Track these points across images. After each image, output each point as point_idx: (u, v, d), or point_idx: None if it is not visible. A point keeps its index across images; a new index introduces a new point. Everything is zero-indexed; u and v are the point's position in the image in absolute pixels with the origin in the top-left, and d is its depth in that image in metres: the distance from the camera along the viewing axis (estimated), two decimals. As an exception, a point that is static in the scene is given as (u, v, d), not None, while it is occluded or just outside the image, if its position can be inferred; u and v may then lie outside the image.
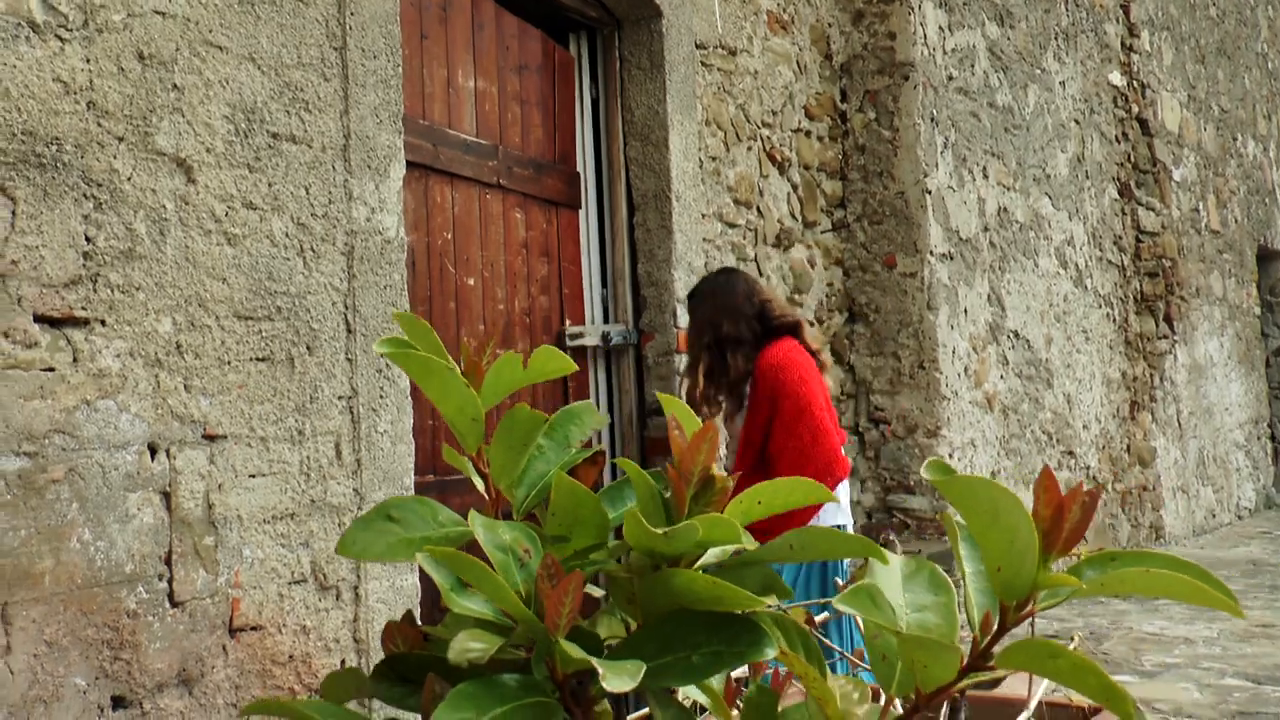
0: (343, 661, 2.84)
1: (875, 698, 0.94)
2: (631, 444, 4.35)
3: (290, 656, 2.76)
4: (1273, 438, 10.86)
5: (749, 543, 0.93)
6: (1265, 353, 10.96)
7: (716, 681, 0.96)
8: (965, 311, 5.79)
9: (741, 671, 1.05)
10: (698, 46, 4.62)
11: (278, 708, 1.01)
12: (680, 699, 0.98)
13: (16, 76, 2.24)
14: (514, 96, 3.99)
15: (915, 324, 5.46)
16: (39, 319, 2.26)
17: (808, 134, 5.39)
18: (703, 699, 0.95)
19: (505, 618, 0.87)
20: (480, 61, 3.82)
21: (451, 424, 1.05)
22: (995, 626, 0.86)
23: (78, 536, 2.30)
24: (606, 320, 4.39)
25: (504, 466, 1.05)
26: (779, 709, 0.93)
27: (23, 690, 2.19)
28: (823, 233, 5.47)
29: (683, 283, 4.36)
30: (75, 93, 2.35)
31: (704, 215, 4.58)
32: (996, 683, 2.22)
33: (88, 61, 2.37)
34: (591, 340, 4.23)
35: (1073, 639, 1.39)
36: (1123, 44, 8.18)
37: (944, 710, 1.12)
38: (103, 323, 2.37)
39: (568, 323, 4.17)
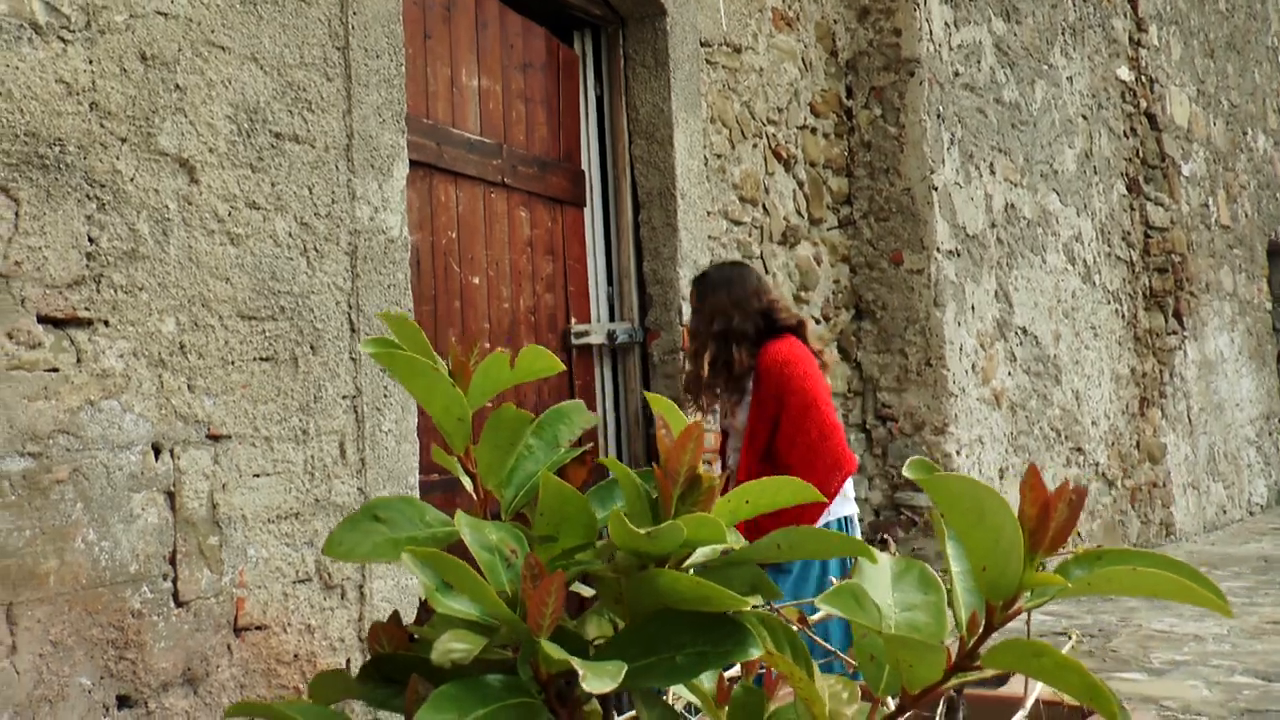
0: (348, 661, 2.85)
1: (866, 697, 0.94)
2: (638, 442, 4.35)
3: (295, 656, 2.77)
4: (1284, 433, 10.81)
5: (735, 542, 0.92)
6: (1276, 348, 10.92)
7: (709, 681, 0.96)
8: (972, 308, 5.77)
9: (736, 671, 1.05)
10: (702, 44, 4.62)
11: (260, 709, 1.01)
12: (673, 699, 0.98)
13: (19, 78, 2.25)
14: (518, 95, 3.99)
15: (922, 321, 5.44)
16: (42, 319, 2.27)
17: (813, 131, 5.38)
18: (695, 699, 0.95)
19: (491, 618, 0.86)
20: (484, 60, 3.82)
21: (438, 424, 1.04)
22: (982, 626, 0.85)
23: (82, 537, 2.31)
24: (612, 318, 4.39)
25: (491, 466, 1.05)
26: (771, 709, 0.92)
27: (28, 690, 2.20)
28: (829, 230, 5.46)
29: (687, 280, 4.35)
30: (78, 94, 2.35)
31: (709, 213, 4.58)
32: (1003, 681, 2.21)
33: (90, 62, 2.38)
34: (597, 338, 4.23)
35: (1070, 637, 1.38)
36: (1130, 39, 8.14)
37: (941, 709, 1.11)
38: (106, 323, 2.38)
39: (573, 321, 4.17)
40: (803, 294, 5.22)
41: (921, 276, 5.45)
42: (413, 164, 3.32)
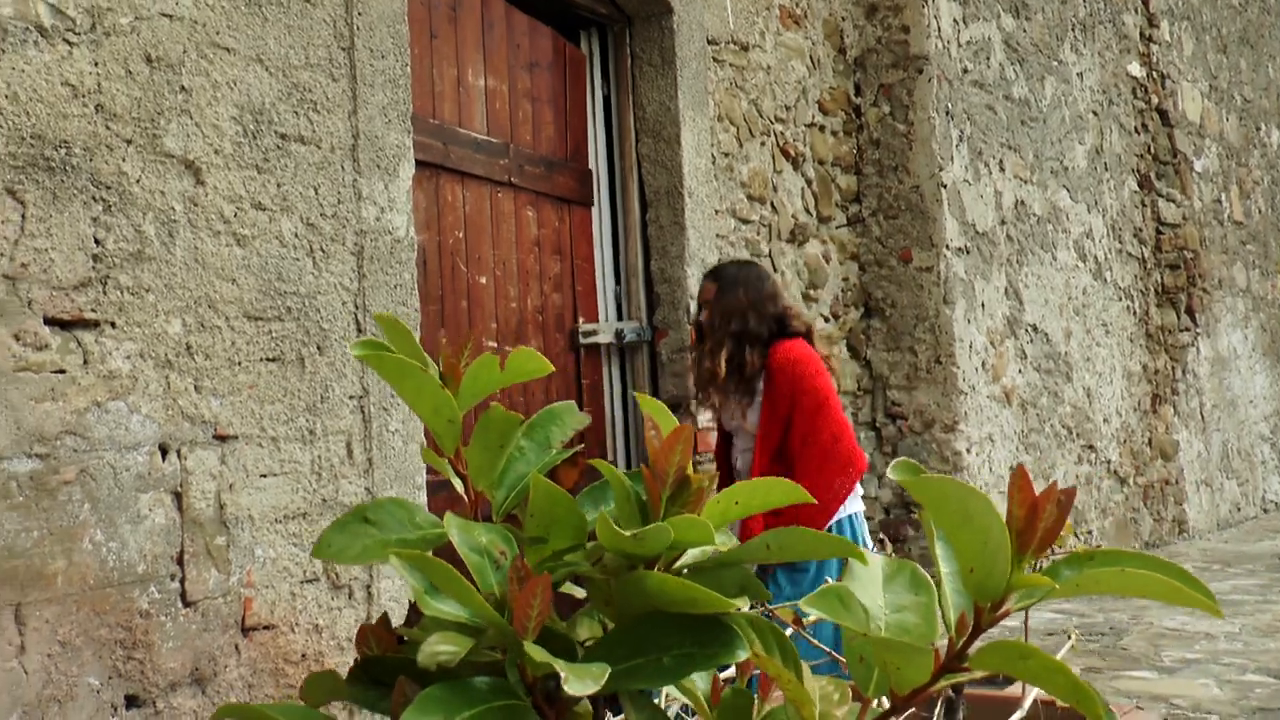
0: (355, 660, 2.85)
1: (858, 698, 0.94)
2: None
3: (303, 655, 2.77)
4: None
5: (727, 543, 0.92)
6: (1290, 344, 10.86)
7: (703, 682, 0.96)
8: (982, 306, 5.76)
9: (732, 672, 1.05)
10: (709, 42, 4.61)
11: (246, 712, 1.01)
12: (668, 700, 0.98)
13: (25, 81, 2.26)
14: (525, 94, 3.99)
15: (932, 318, 5.43)
16: (49, 321, 2.28)
17: (821, 129, 5.37)
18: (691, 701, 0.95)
19: (477, 620, 0.86)
20: (490, 60, 3.83)
21: (428, 426, 1.04)
22: (970, 628, 0.85)
23: (90, 537, 2.32)
24: (620, 317, 4.39)
25: (482, 468, 1.05)
26: (766, 710, 0.92)
27: (37, 690, 2.21)
28: (838, 228, 5.45)
29: (695, 279, 4.34)
30: (83, 96, 2.36)
31: (717, 211, 4.57)
32: (1011, 680, 2.21)
33: (95, 65, 2.39)
34: (605, 338, 4.23)
35: (1069, 636, 1.38)
36: (1141, 34, 8.11)
37: (939, 710, 1.11)
38: (113, 324, 2.39)
39: (581, 320, 4.17)
40: (811, 292, 5.21)
41: (931, 274, 5.44)
42: (419, 164, 3.33)
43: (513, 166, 3.88)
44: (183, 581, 2.49)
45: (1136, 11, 8.06)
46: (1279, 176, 10.66)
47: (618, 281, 4.41)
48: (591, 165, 4.33)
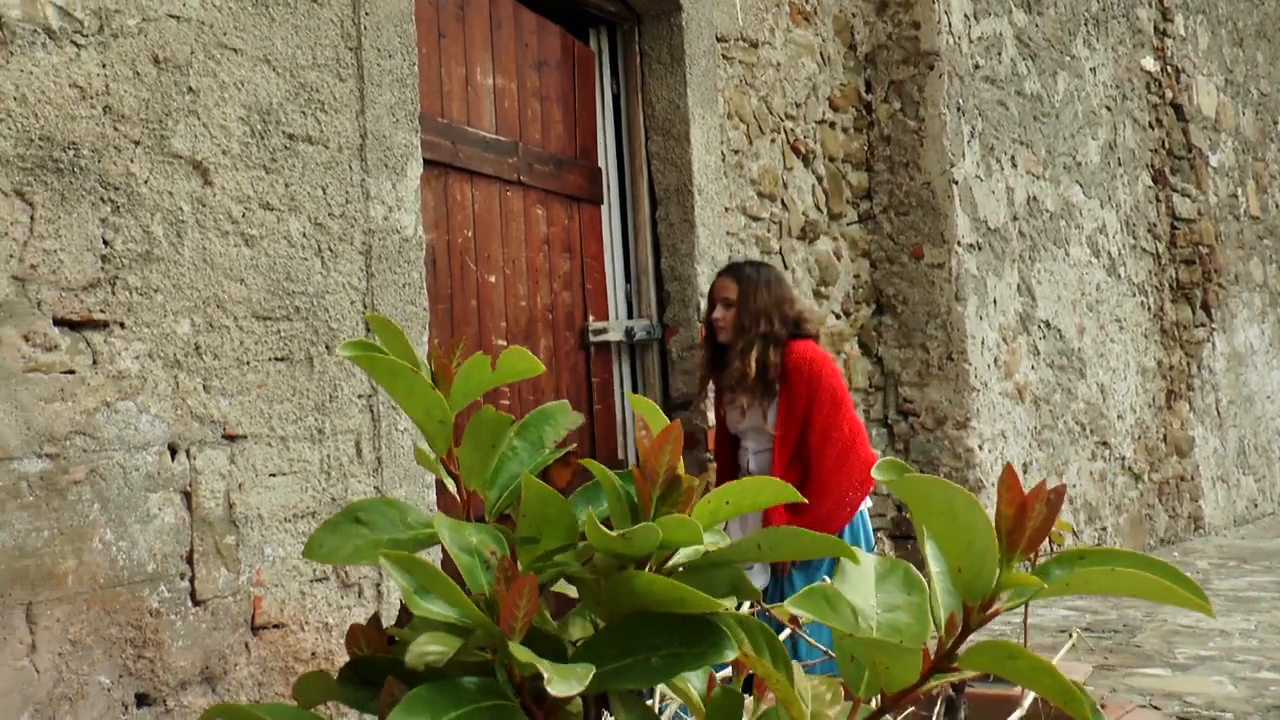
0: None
1: (850, 697, 0.93)
2: (657, 439, 4.34)
3: (313, 654, 2.78)
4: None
5: (717, 543, 0.92)
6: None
7: (699, 681, 0.96)
8: (994, 302, 5.73)
9: (730, 672, 1.05)
10: (718, 39, 4.61)
11: (235, 712, 1.01)
12: (664, 700, 0.98)
13: (33, 83, 2.27)
14: (534, 93, 3.99)
15: (943, 315, 5.41)
16: (58, 322, 2.29)
17: (832, 125, 5.36)
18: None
19: (467, 620, 0.87)
20: (499, 59, 3.83)
21: (420, 426, 1.05)
22: (960, 627, 0.85)
23: (99, 537, 2.33)
24: (630, 315, 4.39)
25: (474, 468, 1.05)
26: (762, 710, 0.92)
27: (48, 688, 2.22)
28: (849, 224, 5.43)
29: (705, 277, 4.34)
30: (91, 98, 2.37)
31: (727, 209, 4.57)
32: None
33: (103, 66, 2.40)
34: (615, 336, 4.23)
35: (1070, 635, 1.37)
36: (1156, 28, 8.06)
37: (939, 708, 1.11)
38: (122, 325, 2.40)
39: (591, 318, 4.17)
40: (823, 289, 5.20)
41: (942, 271, 5.42)
42: (428, 163, 3.33)
43: (522, 165, 3.88)
44: (192, 580, 2.50)
45: (1151, 5, 8.02)
46: (1295, 171, 10.59)
47: (628, 279, 4.41)
48: (601, 163, 4.33)
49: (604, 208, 4.33)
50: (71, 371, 2.30)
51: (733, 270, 3.77)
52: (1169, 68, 8.14)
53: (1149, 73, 7.92)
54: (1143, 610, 5.24)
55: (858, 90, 5.57)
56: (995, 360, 5.69)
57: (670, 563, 0.95)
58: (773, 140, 4.92)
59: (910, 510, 0.85)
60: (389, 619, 2.94)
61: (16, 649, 2.17)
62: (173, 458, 2.49)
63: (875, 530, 4.73)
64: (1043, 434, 6.11)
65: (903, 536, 5.32)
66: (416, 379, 0.99)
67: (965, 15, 5.73)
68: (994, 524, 0.79)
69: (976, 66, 5.80)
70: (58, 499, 2.26)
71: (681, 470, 0.94)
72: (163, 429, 2.46)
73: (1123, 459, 7.01)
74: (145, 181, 2.46)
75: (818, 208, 5.20)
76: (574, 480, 1.10)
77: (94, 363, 2.34)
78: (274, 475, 2.69)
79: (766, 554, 0.93)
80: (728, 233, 4.56)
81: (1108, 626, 4.88)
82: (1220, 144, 8.80)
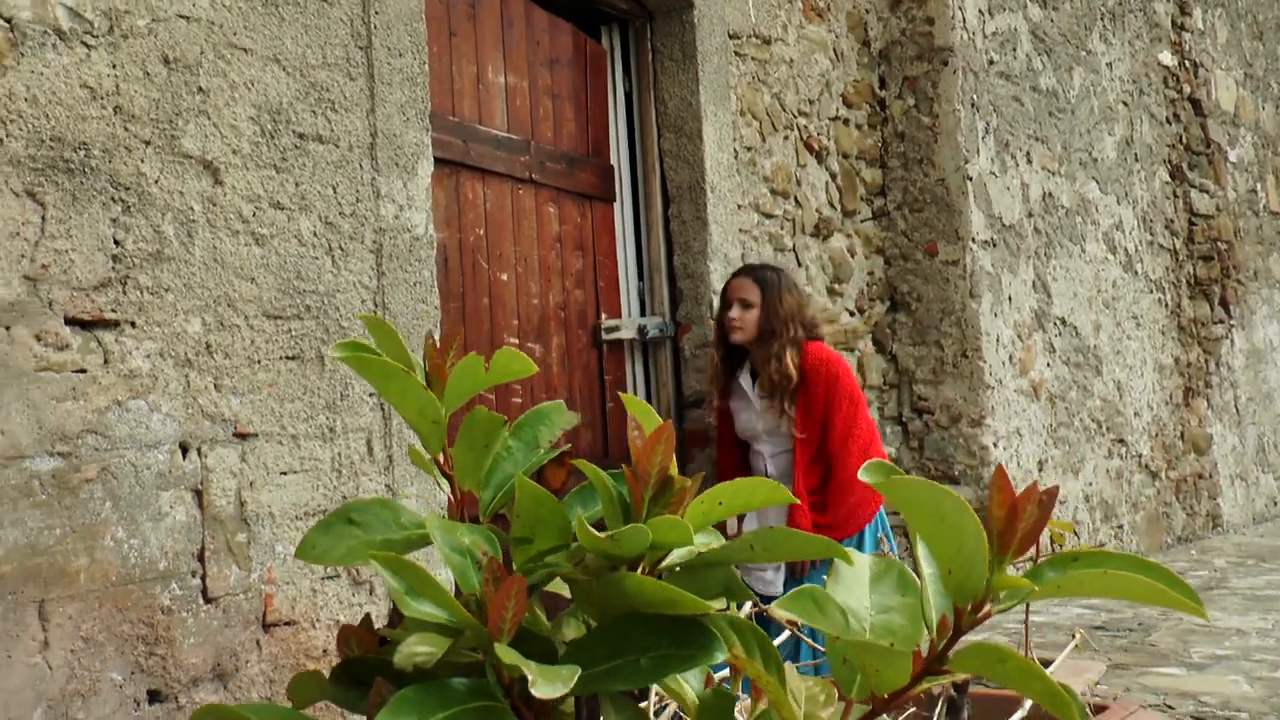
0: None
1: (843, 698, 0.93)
2: (669, 436, 4.34)
3: (324, 651, 2.79)
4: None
5: (709, 543, 0.92)
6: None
7: (696, 681, 0.95)
8: (1009, 299, 5.71)
9: (728, 672, 1.05)
10: (731, 36, 4.60)
11: (224, 713, 1.02)
12: (660, 701, 0.98)
13: (44, 84, 2.28)
14: (545, 91, 3.99)
15: (958, 312, 5.39)
16: (70, 321, 2.31)
17: (846, 122, 5.34)
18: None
19: (456, 621, 0.87)
20: (510, 57, 3.83)
21: (413, 427, 1.05)
22: (951, 630, 0.84)
23: (111, 535, 2.34)
24: (643, 313, 4.39)
25: (467, 468, 1.05)
26: (759, 710, 0.92)
27: (61, 685, 2.24)
28: (863, 221, 5.42)
29: (719, 274, 4.34)
30: (102, 98, 2.38)
31: (740, 206, 4.56)
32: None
33: (114, 67, 2.41)
34: (628, 333, 4.23)
35: (1074, 635, 1.37)
36: (1173, 22, 8.01)
37: (940, 708, 1.11)
38: (133, 324, 2.41)
39: (603, 316, 4.17)
40: (836, 286, 5.19)
41: (957, 268, 5.40)
42: (439, 161, 3.34)
43: (534, 163, 3.88)
44: (204, 578, 2.52)
45: (1168, 0, 7.96)
46: (1316, 166, 10.50)
47: (640, 277, 4.41)
48: (613, 161, 4.33)
49: (616, 205, 4.33)
50: (83, 370, 2.32)
51: (750, 272, 3.82)
52: (1187, 62, 8.08)
53: (1166, 67, 7.86)
54: (1158, 609, 5.21)
55: (871, 86, 5.55)
56: (1010, 357, 5.67)
57: (664, 563, 0.94)
58: (786, 137, 4.91)
59: (900, 512, 0.85)
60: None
61: (29, 646, 2.18)
62: (184, 456, 2.50)
63: (892, 528, 4.72)
64: (1058, 431, 6.09)
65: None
66: (409, 380, 0.99)
67: (980, 10, 5.71)
68: (986, 525, 0.78)
69: (991, 62, 5.78)
70: (70, 497, 2.27)
71: (674, 471, 0.94)
72: (174, 427, 2.47)
73: (1139, 456, 6.97)
74: (156, 181, 2.47)
75: (831, 204, 5.19)
76: (569, 480, 1.10)
77: (105, 362, 2.36)
78: (285, 473, 2.70)
79: (759, 555, 0.93)
80: (740, 230, 4.55)
81: (1123, 625, 4.85)
82: (1239, 139, 8.74)
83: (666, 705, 1.14)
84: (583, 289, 4.10)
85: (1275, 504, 8.90)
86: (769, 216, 4.76)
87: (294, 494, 2.72)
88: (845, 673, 0.87)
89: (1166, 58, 7.86)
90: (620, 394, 1.12)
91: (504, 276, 3.73)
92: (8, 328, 2.19)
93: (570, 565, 0.93)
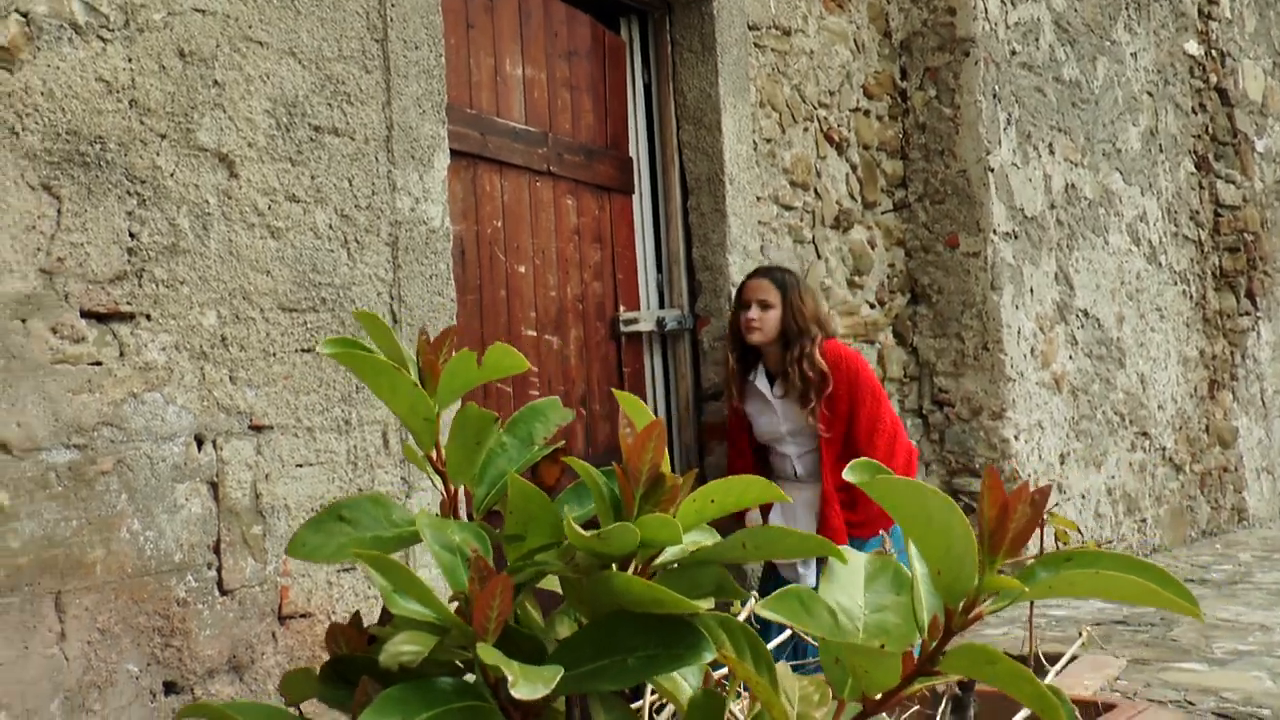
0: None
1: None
2: (688, 429, 4.34)
3: (340, 643, 2.80)
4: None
5: (701, 541, 0.91)
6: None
7: (695, 679, 0.95)
8: (1031, 291, 5.67)
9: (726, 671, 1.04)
10: (750, 27, 4.58)
11: (211, 710, 1.02)
12: (659, 700, 0.98)
13: (60, 77, 2.29)
14: (563, 83, 3.98)
15: (979, 304, 5.36)
16: (85, 314, 2.32)
17: (866, 113, 5.31)
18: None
19: (441, 620, 0.86)
20: (528, 49, 3.82)
21: (405, 423, 1.04)
22: (942, 630, 0.83)
23: (127, 526, 2.36)
24: (661, 305, 4.38)
25: (460, 465, 1.05)
26: (756, 710, 0.91)
27: (77, 676, 2.25)
28: (883, 213, 5.39)
29: (738, 266, 4.33)
30: (117, 92, 2.39)
31: (759, 198, 4.54)
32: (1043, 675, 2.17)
33: (129, 61, 2.41)
34: (646, 326, 4.22)
35: (1081, 634, 1.35)
36: (1200, 11, 7.92)
37: (944, 707, 1.10)
38: (148, 317, 2.42)
39: (622, 309, 4.17)
40: (856, 278, 5.16)
41: (978, 259, 5.36)
42: (457, 154, 3.33)
43: (552, 155, 3.88)
44: (219, 570, 2.53)
45: (1194, -12, 7.88)
46: (1345, 156, 10.37)
47: (659, 269, 4.40)
48: (632, 153, 4.32)
49: (635, 197, 4.32)
50: (99, 363, 2.33)
51: (767, 273, 3.88)
52: (1214, 51, 7.99)
53: (1192, 57, 7.78)
54: (1182, 603, 5.16)
55: (892, 78, 5.51)
56: (1032, 350, 5.63)
57: (657, 561, 0.94)
58: (806, 129, 4.88)
59: (888, 513, 0.84)
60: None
61: (46, 637, 2.20)
62: (199, 448, 2.51)
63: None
64: (1080, 424, 6.04)
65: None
66: (399, 376, 0.98)
67: (1002, 1, 5.66)
68: (979, 525, 0.77)
69: (1013, 53, 5.73)
70: (85, 489, 2.28)
71: (666, 468, 0.93)
72: (189, 420, 2.48)
73: (1163, 450, 6.92)
74: (171, 174, 2.48)
75: (852, 196, 5.16)
76: (563, 477, 1.09)
77: (121, 354, 2.37)
78: (300, 466, 2.71)
79: (752, 553, 0.92)
80: (760, 222, 4.53)
81: (1144, 620, 4.81)
82: (1267, 129, 8.64)
83: (667, 703, 1.13)
84: (601, 281, 4.10)
85: (1302, 498, 8.81)
86: (789, 208, 4.74)
87: (309, 486, 2.72)
88: (837, 673, 0.86)
89: (1193, 47, 7.78)
90: (613, 390, 1.11)
91: (521, 269, 3.72)
92: (24, 320, 2.21)
93: (561, 563, 0.93)
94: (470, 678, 0.86)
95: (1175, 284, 7.31)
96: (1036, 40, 5.96)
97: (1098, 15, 6.60)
